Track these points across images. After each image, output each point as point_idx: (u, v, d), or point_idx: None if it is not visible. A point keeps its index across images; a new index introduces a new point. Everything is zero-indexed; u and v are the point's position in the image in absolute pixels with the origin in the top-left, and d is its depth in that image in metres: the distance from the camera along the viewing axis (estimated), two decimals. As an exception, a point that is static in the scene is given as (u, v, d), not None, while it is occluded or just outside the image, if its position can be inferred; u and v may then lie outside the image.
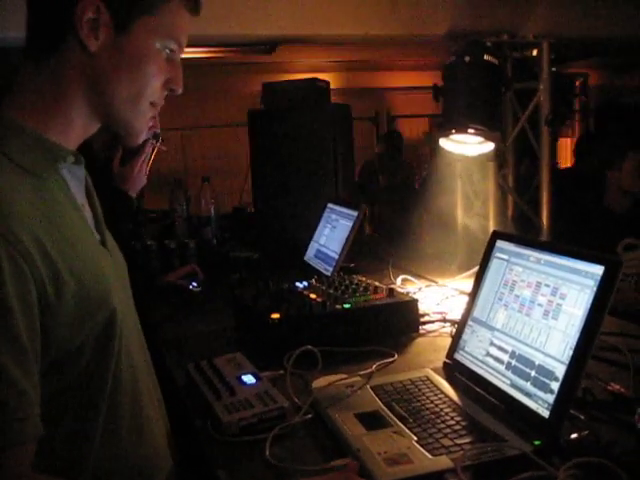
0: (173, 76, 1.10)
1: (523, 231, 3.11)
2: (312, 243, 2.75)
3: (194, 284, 2.56)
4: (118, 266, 1.17)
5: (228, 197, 5.39)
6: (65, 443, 0.98)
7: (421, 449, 1.15)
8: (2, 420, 0.85)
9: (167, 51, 1.08)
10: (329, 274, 2.38)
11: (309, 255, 2.73)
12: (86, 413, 1.01)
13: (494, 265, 1.52)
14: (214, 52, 4.63)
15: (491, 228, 3.00)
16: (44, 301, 0.90)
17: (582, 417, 1.25)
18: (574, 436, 1.19)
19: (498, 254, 1.52)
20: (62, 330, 0.93)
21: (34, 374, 0.90)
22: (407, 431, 1.22)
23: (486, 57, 2.45)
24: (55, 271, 0.92)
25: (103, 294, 1.01)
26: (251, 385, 1.44)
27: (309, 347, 1.55)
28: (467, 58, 2.43)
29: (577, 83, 8.08)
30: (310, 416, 1.34)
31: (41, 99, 1.02)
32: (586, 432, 1.20)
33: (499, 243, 1.53)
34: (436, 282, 2.49)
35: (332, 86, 3.73)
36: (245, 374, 1.49)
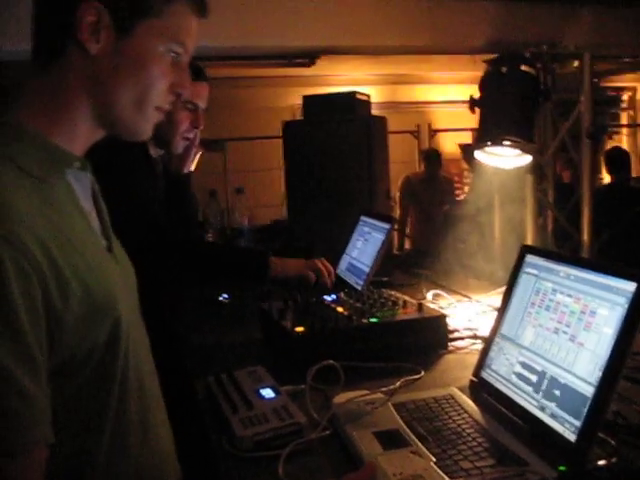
0: (179, 80, 1.08)
1: (563, 247, 3.03)
2: (344, 256, 2.72)
3: (224, 295, 2.54)
4: (125, 273, 1.15)
5: (267, 209, 5.40)
6: (71, 455, 0.96)
7: (439, 471, 1.10)
8: (9, 426, 0.82)
9: (172, 54, 1.06)
10: (360, 287, 2.34)
11: (341, 268, 2.69)
12: (93, 423, 0.98)
13: (523, 280, 1.47)
14: (255, 65, 4.65)
15: (529, 242, 2.93)
16: (50, 305, 0.88)
17: (612, 442, 1.18)
18: (602, 462, 1.13)
19: (528, 269, 1.46)
20: (68, 336, 0.91)
21: (42, 380, 0.87)
22: (426, 451, 1.17)
23: (523, 67, 2.39)
24: (61, 275, 0.90)
25: (109, 301, 0.99)
26: (269, 399, 1.41)
27: (331, 362, 1.52)
28: (504, 68, 2.38)
29: (625, 96, 7.93)
30: (328, 433, 1.30)
31: (46, 104, 1.01)
32: (616, 458, 1.14)
33: (529, 258, 1.47)
34: (469, 298, 2.42)
35: (373, 100, 3.71)
36: (264, 388, 1.46)
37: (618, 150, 5.47)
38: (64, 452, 0.94)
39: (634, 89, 8.05)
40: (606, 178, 5.47)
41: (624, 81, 7.34)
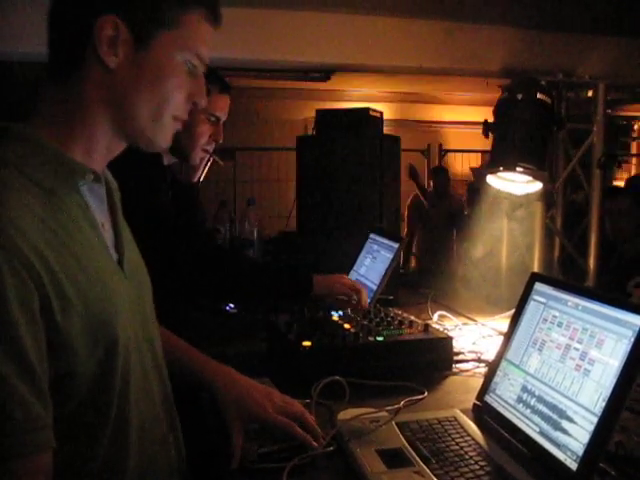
0: (196, 90, 1.09)
1: (569, 273, 3.05)
2: (352, 272, 2.73)
3: (231, 305, 2.56)
4: (135, 287, 1.13)
5: (276, 221, 5.42)
6: (64, 475, 0.93)
7: (441, 492, 1.12)
8: (8, 431, 0.82)
9: (189, 65, 1.06)
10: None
11: (348, 284, 2.70)
12: (87, 447, 0.96)
13: (531, 307, 1.49)
14: (271, 77, 4.70)
15: (536, 269, 2.95)
16: (49, 314, 0.87)
17: (613, 472, 1.20)
18: (602, 492, 1.15)
19: (536, 296, 1.48)
20: (67, 349, 0.89)
21: (41, 386, 0.86)
22: (428, 472, 1.18)
23: (539, 95, 2.42)
24: (60, 286, 0.89)
25: (107, 320, 0.97)
26: (275, 412, 1.42)
27: (337, 378, 1.53)
28: (519, 95, 2.40)
29: (635, 126, 7.95)
30: (332, 448, 1.32)
31: (63, 117, 1.01)
32: (616, 489, 1.16)
33: (537, 285, 1.49)
34: (475, 320, 2.44)
35: (385, 117, 3.73)
36: (270, 400, 1.47)
37: None
38: (58, 470, 0.90)
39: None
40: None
41: (635, 110, 7.36)
